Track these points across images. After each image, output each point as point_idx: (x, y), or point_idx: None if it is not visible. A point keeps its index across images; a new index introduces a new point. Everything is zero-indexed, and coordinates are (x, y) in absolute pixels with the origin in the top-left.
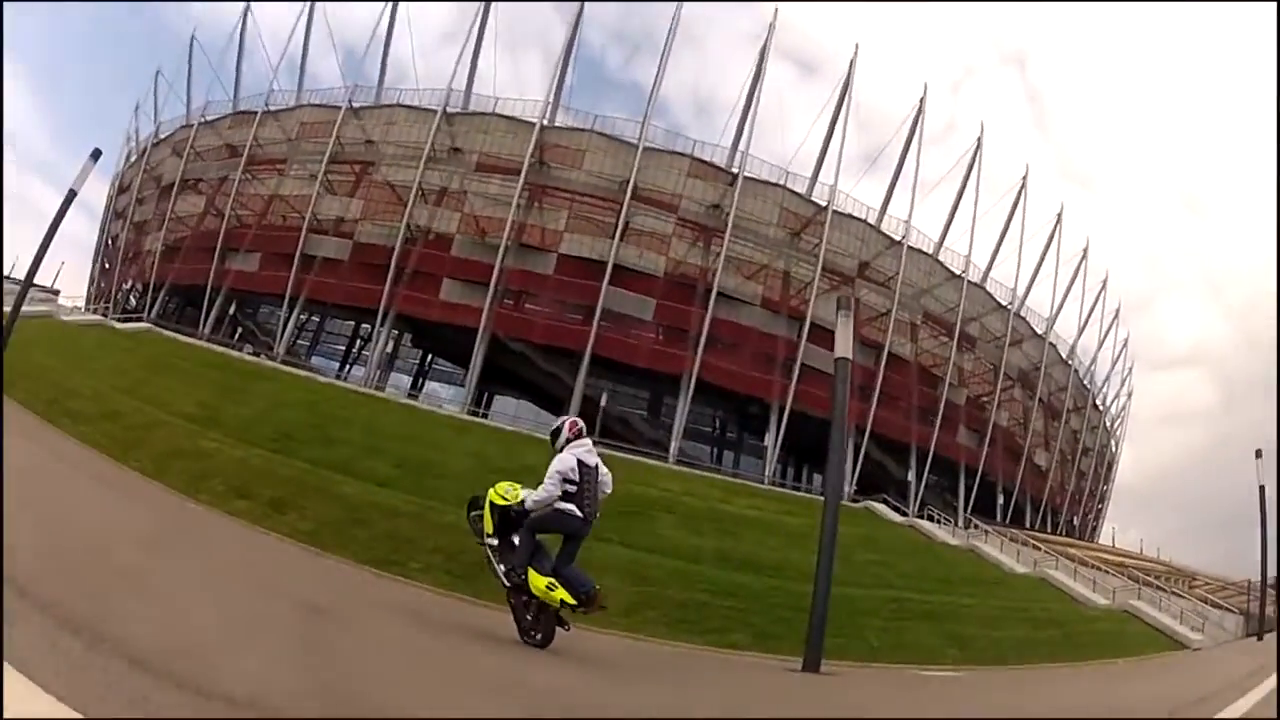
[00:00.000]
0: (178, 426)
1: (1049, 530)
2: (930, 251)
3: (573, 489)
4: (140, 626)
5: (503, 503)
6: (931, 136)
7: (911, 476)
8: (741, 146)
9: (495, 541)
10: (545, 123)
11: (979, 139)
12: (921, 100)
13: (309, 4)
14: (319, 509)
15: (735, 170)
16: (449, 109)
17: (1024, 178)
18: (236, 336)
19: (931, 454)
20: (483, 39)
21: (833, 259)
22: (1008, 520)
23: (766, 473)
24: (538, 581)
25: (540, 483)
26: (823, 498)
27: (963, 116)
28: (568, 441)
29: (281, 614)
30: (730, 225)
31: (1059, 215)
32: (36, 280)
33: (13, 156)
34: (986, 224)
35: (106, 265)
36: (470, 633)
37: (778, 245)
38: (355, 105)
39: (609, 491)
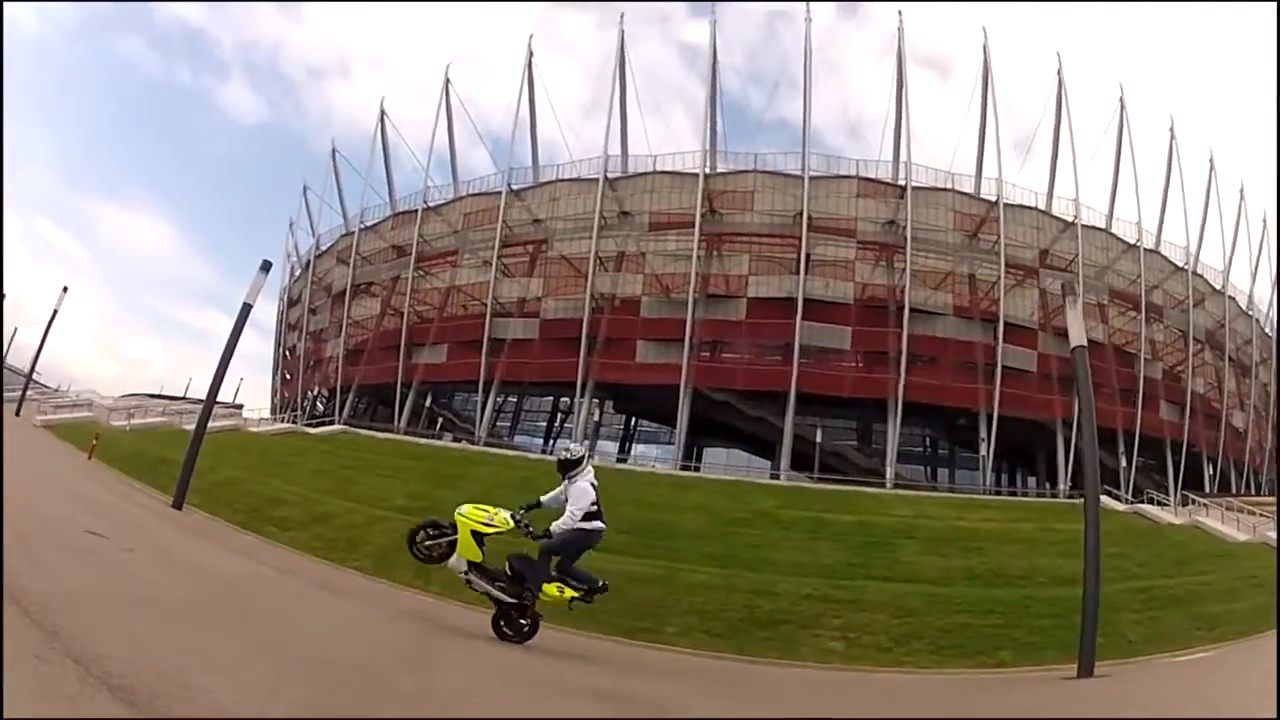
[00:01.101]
0: (394, 521)
1: (1254, 492)
2: (1103, 226)
3: (594, 509)
4: None
5: (489, 530)
6: (1076, 108)
7: (1123, 462)
8: (903, 157)
9: (466, 566)
10: (708, 172)
11: (1120, 99)
12: (1059, 72)
13: (444, 93)
14: None
15: (902, 182)
16: (609, 174)
17: (1171, 129)
18: (438, 427)
19: (1138, 435)
20: (626, 102)
21: (1013, 253)
22: (1216, 489)
23: (984, 483)
24: (550, 590)
25: (505, 505)
26: (1042, 499)
27: (1100, 79)
28: (579, 472)
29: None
30: (910, 238)
31: (1211, 161)
32: (193, 394)
33: (168, 285)
34: (1147, 185)
35: (287, 375)
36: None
37: (958, 250)
38: (515, 187)
39: None
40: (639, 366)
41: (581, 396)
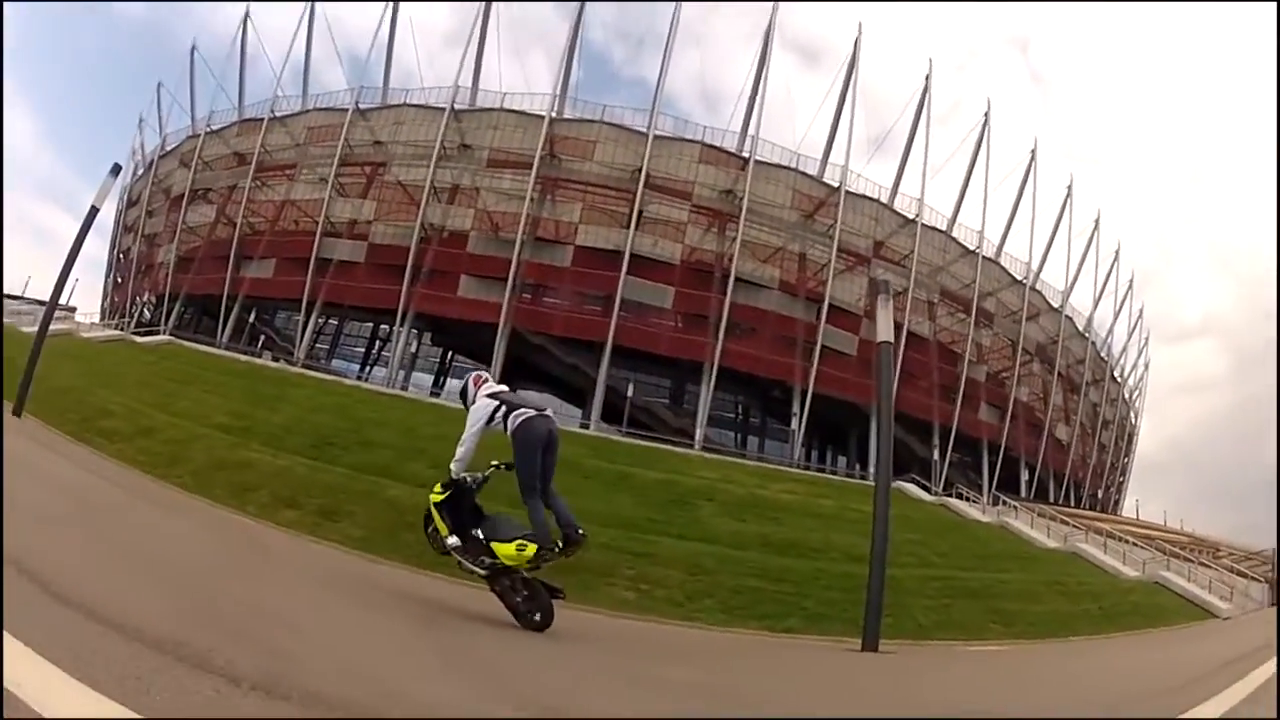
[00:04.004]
0: (215, 439)
1: (1073, 504)
2: (944, 229)
3: (503, 409)
4: (250, 659)
5: (440, 496)
6: (939, 117)
7: (935, 455)
8: (751, 130)
9: (458, 540)
10: (554, 116)
11: (986, 114)
12: (927, 77)
13: (309, 6)
14: (369, 515)
15: (746, 155)
16: (456, 106)
17: (1033, 150)
18: (260, 344)
19: (954, 431)
20: (485, 38)
21: (847, 239)
22: (1032, 496)
23: (794, 456)
24: (506, 550)
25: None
26: (849, 479)
27: (969, 97)
28: (475, 396)
29: (400, 631)
30: (745, 210)
31: (1069, 188)
32: (42, 296)
33: (15, 179)
34: (998, 199)
35: (119, 279)
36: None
37: (792, 228)
38: (362, 107)
39: None
40: (460, 301)
41: (401, 325)
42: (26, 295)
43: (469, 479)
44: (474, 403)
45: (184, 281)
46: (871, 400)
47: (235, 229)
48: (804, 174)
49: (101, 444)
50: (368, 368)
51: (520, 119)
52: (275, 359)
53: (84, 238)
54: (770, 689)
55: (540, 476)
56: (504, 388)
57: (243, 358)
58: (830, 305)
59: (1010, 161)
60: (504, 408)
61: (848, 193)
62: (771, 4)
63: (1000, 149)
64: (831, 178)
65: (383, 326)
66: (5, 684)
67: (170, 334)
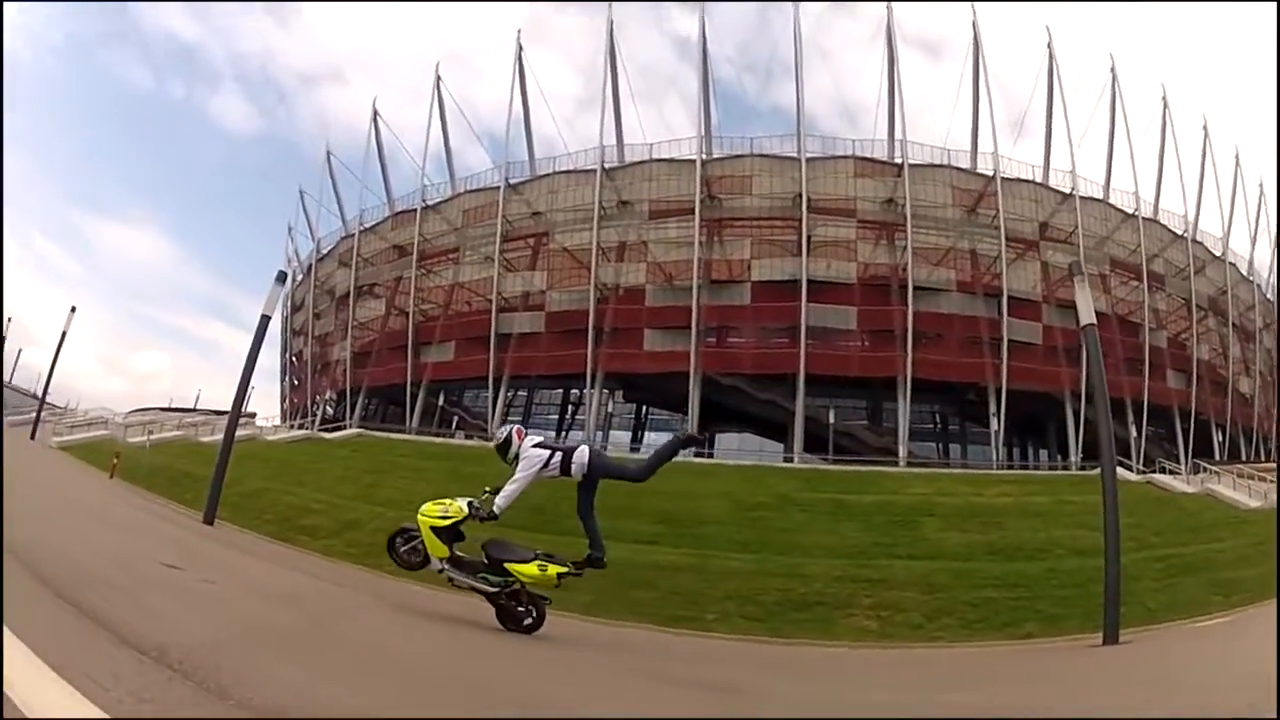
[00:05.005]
0: None
1: (1263, 458)
2: (1100, 197)
3: (558, 455)
4: None
5: (445, 522)
6: (1070, 85)
7: (1132, 431)
8: (898, 135)
9: (442, 563)
10: (705, 158)
11: (1112, 69)
12: (1049, 45)
13: (434, 93)
14: (593, 578)
15: (899, 160)
16: (606, 165)
17: (1164, 98)
18: (453, 425)
19: (1146, 404)
20: (619, 94)
21: (1013, 226)
22: (1226, 457)
23: (996, 457)
24: (528, 570)
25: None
26: (1054, 472)
27: (1091, 57)
28: (519, 448)
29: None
30: (910, 215)
31: (1205, 129)
32: (202, 405)
33: (169, 299)
34: (1143, 156)
35: (296, 381)
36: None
37: (958, 225)
38: (512, 182)
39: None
40: (647, 355)
41: (591, 387)
42: (199, 407)
43: (500, 504)
44: (519, 453)
45: (363, 375)
46: (1063, 387)
47: (408, 318)
48: (959, 169)
49: (305, 541)
50: (564, 433)
51: (672, 167)
52: (469, 436)
53: (259, 345)
54: (1034, 698)
55: (585, 498)
56: (542, 438)
57: (437, 440)
58: (1009, 297)
59: (1146, 110)
60: (559, 454)
61: (1004, 179)
62: (885, 7)
63: (1134, 99)
64: (983, 167)
65: (573, 391)
66: None
67: (358, 426)
